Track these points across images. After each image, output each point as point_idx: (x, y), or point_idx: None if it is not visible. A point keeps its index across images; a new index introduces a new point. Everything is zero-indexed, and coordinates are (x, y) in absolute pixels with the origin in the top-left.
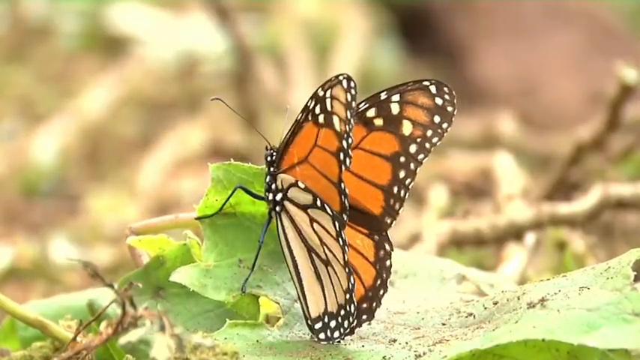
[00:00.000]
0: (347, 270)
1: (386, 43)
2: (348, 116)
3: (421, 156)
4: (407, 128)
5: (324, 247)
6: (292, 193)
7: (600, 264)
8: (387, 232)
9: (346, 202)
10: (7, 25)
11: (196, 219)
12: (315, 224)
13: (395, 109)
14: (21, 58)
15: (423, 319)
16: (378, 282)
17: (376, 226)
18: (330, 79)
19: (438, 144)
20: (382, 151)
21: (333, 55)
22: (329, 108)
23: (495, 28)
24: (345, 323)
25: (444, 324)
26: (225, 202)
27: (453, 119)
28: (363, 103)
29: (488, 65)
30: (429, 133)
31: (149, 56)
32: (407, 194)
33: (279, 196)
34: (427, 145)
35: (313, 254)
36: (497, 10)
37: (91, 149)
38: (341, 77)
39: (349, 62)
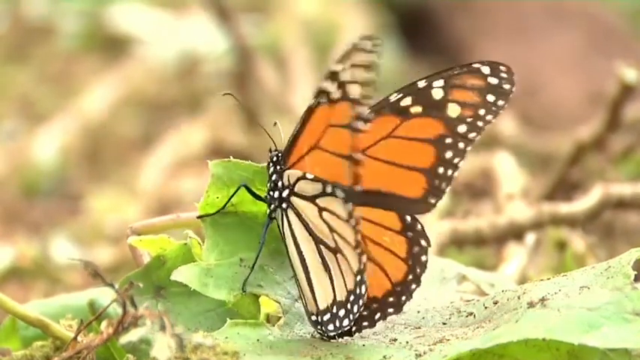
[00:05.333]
0: (358, 251)
1: (386, 43)
2: (371, 76)
3: (473, 134)
4: (454, 110)
5: (334, 235)
6: (300, 186)
7: (600, 263)
8: (423, 229)
9: (359, 170)
10: (8, 25)
11: (198, 217)
12: (324, 213)
13: (437, 94)
14: (21, 58)
15: (423, 318)
16: (410, 277)
17: (417, 209)
18: (347, 49)
19: (492, 121)
20: (423, 135)
21: (333, 55)
22: (347, 78)
23: (495, 28)
24: (355, 308)
25: (444, 323)
26: (229, 200)
27: (511, 96)
28: (396, 94)
29: None
30: (482, 111)
31: (150, 56)
32: (455, 173)
33: (285, 193)
34: (480, 123)
35: (321, 245)
36: (498, 10)
37: (92, 149)
38: (358, 40)
39: None
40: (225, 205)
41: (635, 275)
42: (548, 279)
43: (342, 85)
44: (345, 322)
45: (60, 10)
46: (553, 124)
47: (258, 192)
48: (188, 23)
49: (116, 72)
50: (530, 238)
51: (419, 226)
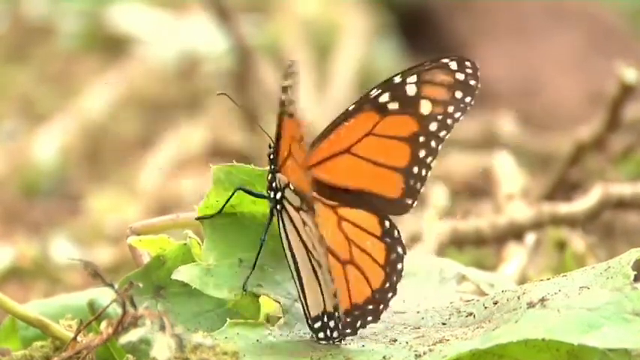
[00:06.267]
0: (328, 277)
1: (386, 43)
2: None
3: (443, 132)
4: (426, 107)
5: (315, 250)
6: (287, 193)
7: (600, 264)
8: (400, 236)
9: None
10: (7, 25)
11: (197, 219)
12: (306, 227)
13: (411, 90)
14: (21, 58)
15: (423, 318)
16: (387, 285)
17: (396, 210)
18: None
19: (460, 119)
20: (399, 133)
21: (333, 55)
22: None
23: (495, 28)
24: (339, 325)
25: (444, 323)
26: (225, 203)
27: (477, 92)
28: (375, 90)
29: (489, 65)
30: (451, 108)
31: (150, 56)
32: (428, 173)
33: (278, 195)
34: (449, 121)
35: (311, 254)
36: (498, 10)
37: (92, 149)
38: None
39: (349, 62)
40: (222, 208)
41: (635, 275)
42: (548, 279)
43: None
44: (335, 333)
45: (60, 10)
46: (553, 124)
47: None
48: (188, 23)
49: (116, 72)
50: (530, 238)
51: (396, 233)
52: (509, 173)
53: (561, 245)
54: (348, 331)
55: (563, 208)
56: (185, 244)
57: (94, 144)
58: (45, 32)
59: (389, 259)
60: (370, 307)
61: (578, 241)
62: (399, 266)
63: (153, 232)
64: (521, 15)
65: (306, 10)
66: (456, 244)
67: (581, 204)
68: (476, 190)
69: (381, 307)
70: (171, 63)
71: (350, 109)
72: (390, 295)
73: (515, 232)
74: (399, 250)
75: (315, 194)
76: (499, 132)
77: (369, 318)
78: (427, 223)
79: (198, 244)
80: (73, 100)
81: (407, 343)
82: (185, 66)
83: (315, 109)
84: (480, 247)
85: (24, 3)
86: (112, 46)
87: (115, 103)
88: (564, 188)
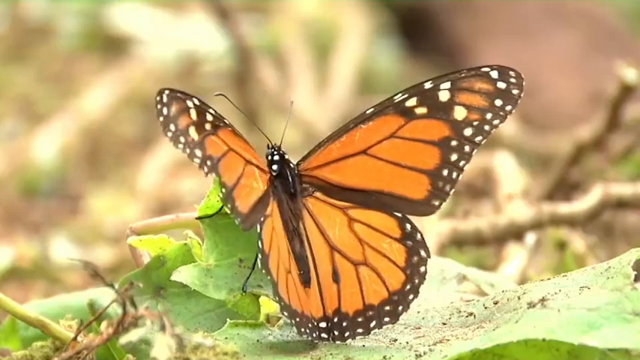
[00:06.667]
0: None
1: (386, 43)
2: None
3: (479, 138)
4: (460, 113)
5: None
6: None
7: (600, 264)
8: (423, 239)
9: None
10: (7, 25)
11: (197, 219)
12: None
13: (444, 96)
14: (21, 58)
15: (423, 318)
16: (407, 287)
17: (419, 211)
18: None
19: (499, 126)
20: (428, 137)
21: (333, 55)
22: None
23: (495, 28)
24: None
25: (444, 323)
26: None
27: (519, 102)
28: (401, 94)
29: None
30: (489, 115)
31: (149, 56)
32: (460, 176)
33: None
34: (486, 127)
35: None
36: (498, 10)
37: (92, 149)
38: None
39: (349, 62)
40: (222, 208)
41: (635, 275)
42: (548, 279)
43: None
44: (324, 334)
45: (60, 10)
46: (553, 124)
47: None
48: (188, 23)
49: (116, 72)
50: (530, 238)
51: (419, 236)
52: (509, 173)
53: (561, 245)
54: (360, 330)
55: (563, 208)
56: (185, 244)
57: (93, 144)
58: (45, 32)
59: (410, 261)
60: (387, 308)
61: (578, 241)
62: (422, 269)
63: (153, 232)
64: (521, 15)
65: (306, 10)
66: (456, 244)
67: (581, 204)
68: (476, 190)
69: (400, 308)
70: (171, 63)
71: (368, 111)
72: (411, 297)
73: (516, 232)
74: (422, 253)
75: (318, 194)
76: (499, 132)
77: (386, 319)
78: (427, 223)
79: (199, 244)
80: (72, 100)
81: (407, 343)
82: (185, 66)
83: (315, 109)
84: (480, 247)
85: (24, 3)
86: (111, 46)
87: (115, 103)
88: (564, 188)
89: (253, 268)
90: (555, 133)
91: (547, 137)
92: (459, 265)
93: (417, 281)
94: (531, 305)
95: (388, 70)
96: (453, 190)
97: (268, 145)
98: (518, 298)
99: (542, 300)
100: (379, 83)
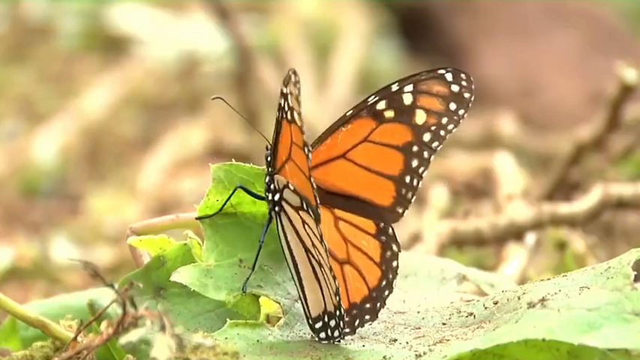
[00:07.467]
0: (333, 274)
1: (386, 43)
2: (300, 110)
3: (435, 144)
4: (420, 117)
5: (315, 249)
6: (286, 194)
7: (600, 264)
8: (394, 234)
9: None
10: (7, 25)
11: (197, 219)
12: (305, 226)
13: (407, 99)
14: (21, 58)
15: (423, 318)
16: (383, 283)
17: (387, 218)
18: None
19: (453, 131)
20: (394, 141)
21: (333, 55)
22: (290, 104)
23: (495, 28)
24: (341, 323)
25: (444, 324)
26: (226, 202)
27: (470, 105)
28: (373, 97)
29: (489, 65)
30: (445, 120)
31: (149, 56)
32: (419, 183)
33: (277, 197)
34: (442, 132)
35: (309, 254)
36: (498, 10)
37: (92, 149)
38: (290, 72)
39: (349, 62)
40: (222, 207)
41: (635, 275)
42: (548, 279)
43: (290, 109)
44: (336, 333)
45: (60, 10)
46: (553, 124)
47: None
48: (188, 23)
49: (116, 72)
50: (530, 238)
51: (390, 231)
52: (509, 173)
53: (561, 245)
54: (347, 330)
55: (563, 208)
56: (185, 244)
57: (93, 144)
58: (45, 32)
59: (384, 256)
60: (368, 305)
61: (578, 241)
62: (395, 264)
63: (153, 232)
64: (521, 15)
65: (306, 10)
66: (456, 244)
67: (581, 204)
68: (476, 190)
69: (379, 305)
70: (171, 63)
71: (348, 114)
72: (386, 292)
73: (515, 232)
74: (394, 247)
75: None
76: (499, 132)
77: (367, 317)
78: (427, 223)
79: (199, 244)
80: (72, 100)
81: (407, 343)
82: (185, 66)
83: (315, 109)
84: (480, 247)
85: (24, 3)
86: (112, 46)
87: (115, 103)
88: (564, 188)
89: (253, 268)
90: (555, 133)
91: (547, 137)
92: (459, 265)
93: (391, 276)
94: (531, 305)
95: (388, 70)
96: (414, 197)
97: (267, 147)
98: (518, 298)
99: (542, 300)
100: (379, 83)
